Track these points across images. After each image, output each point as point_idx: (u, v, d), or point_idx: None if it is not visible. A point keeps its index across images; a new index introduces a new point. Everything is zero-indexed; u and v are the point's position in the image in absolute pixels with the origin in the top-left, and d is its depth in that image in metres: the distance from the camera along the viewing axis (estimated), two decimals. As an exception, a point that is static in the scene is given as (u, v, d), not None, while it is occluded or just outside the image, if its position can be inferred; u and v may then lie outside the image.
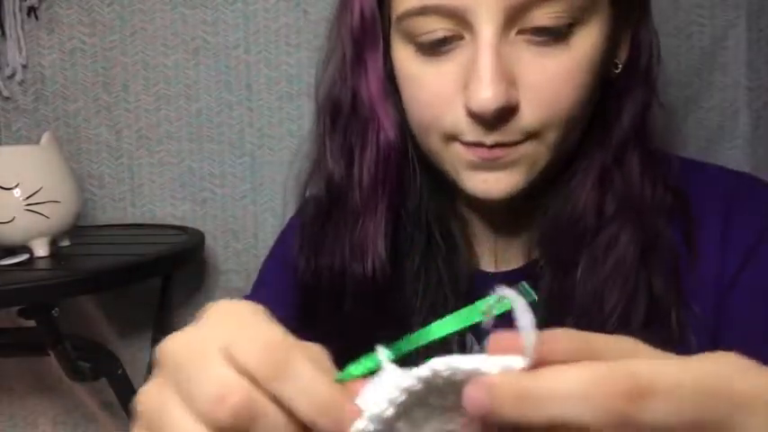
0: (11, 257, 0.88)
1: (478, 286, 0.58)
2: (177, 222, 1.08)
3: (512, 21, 0.45)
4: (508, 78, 0.46)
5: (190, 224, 1.08)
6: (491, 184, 0.50)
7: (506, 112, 0.46)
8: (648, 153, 0.54)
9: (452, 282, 0.57)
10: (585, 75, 0.48)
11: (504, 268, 0.60)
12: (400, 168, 0.55)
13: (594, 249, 0.52)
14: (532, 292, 0.26)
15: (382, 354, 0.28)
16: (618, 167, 0.53)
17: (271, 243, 1.06)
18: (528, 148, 0.49)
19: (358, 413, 0.27)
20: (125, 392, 1.01)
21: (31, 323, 0.82)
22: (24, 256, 0.88)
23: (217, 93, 1.05)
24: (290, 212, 0.68)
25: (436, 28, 0.47)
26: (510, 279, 0.58)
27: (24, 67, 1.08)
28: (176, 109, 1.06)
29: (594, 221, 0.52)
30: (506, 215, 0.57)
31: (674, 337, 0.51)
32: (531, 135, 0.48)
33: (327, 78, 0.57)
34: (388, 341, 0.28)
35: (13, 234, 0.86)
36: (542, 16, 0.45)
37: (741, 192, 0.54)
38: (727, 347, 0.51)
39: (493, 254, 0.60)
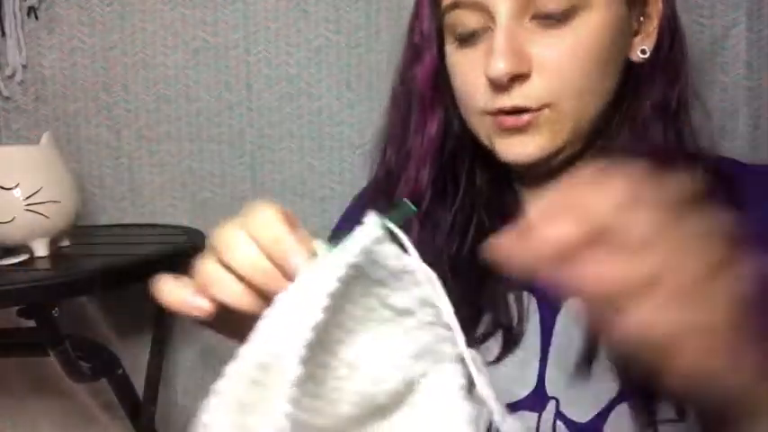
0: (11, 257, 0.88)
1: None
2: (177, 222, 1.08)
3: (524, 8, 0.55)
4: (521, 53, 0.55)
5: (190, 224, 1.08)
6: (518, 148, 0.58)
7: (518, 79, 0.55)
8: (679, 143, 0.59)
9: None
10: (590, 52, 0.55)
11: None
12: (441, 156, 0.64)
13: None
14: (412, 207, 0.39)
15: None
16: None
17: (271, 243, 1.06)
18: (547, 115, 0.56)
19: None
20: (125, 392, 1.01)
21: (31, 323, 0.82)
22: (24, 256, 0.88)
23: (217, 93, 1.05)
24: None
25: (469, 21, 0.57)
26: None
27: (24, 67, 1.08)
28: (176, 109, 1.06)
29: None
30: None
31: None
32: (547, 104, 0.56)
33: (396, 73, 0.68)
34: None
35: (13, 234, 0.86)
36: (546, 2, 0.54)
37: None
38: None
39: None
